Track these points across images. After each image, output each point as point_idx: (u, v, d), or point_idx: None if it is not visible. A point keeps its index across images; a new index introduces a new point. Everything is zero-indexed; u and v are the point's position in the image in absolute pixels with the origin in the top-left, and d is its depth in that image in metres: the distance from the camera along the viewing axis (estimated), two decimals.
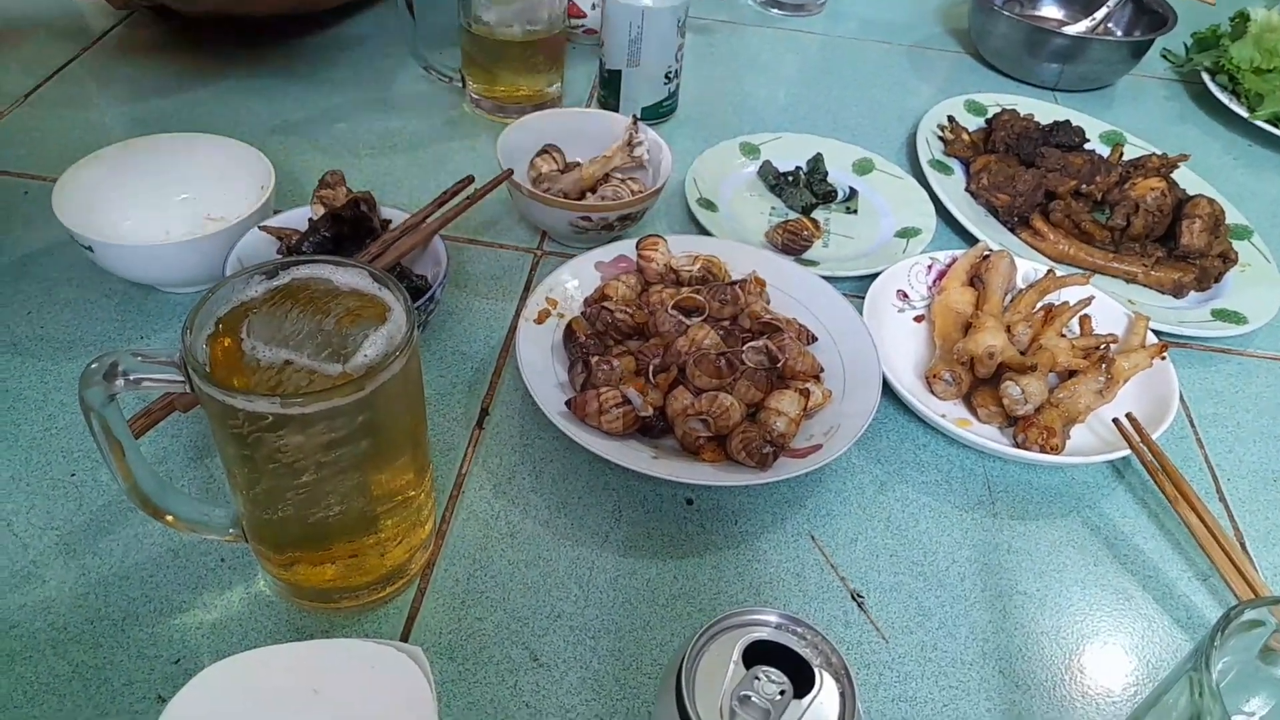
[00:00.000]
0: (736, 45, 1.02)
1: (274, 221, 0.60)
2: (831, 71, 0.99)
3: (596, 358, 0.56)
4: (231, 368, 0.40)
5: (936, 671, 0.46)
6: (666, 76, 0.83)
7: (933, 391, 0.60)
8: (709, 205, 0.75)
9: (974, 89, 0.94)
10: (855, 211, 0.78)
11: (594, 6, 0.92)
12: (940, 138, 0.84)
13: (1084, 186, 0.74)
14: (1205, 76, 0.98)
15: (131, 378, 0.39)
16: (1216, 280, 0.71)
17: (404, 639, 0.45)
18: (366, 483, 0.43)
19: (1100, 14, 1.01)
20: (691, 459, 0.53)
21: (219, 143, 0.66)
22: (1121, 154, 0.80)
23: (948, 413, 0.59)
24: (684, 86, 0.87)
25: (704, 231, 0.73)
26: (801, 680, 0.32)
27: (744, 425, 0.53)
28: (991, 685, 0.46)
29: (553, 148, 0.74)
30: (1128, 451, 0.56)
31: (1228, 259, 0.72)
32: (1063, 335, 0.62)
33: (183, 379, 0.39)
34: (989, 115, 0.86)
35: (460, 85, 0.85)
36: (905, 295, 0.67)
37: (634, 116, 0.73)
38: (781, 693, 0.32)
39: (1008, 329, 0.62)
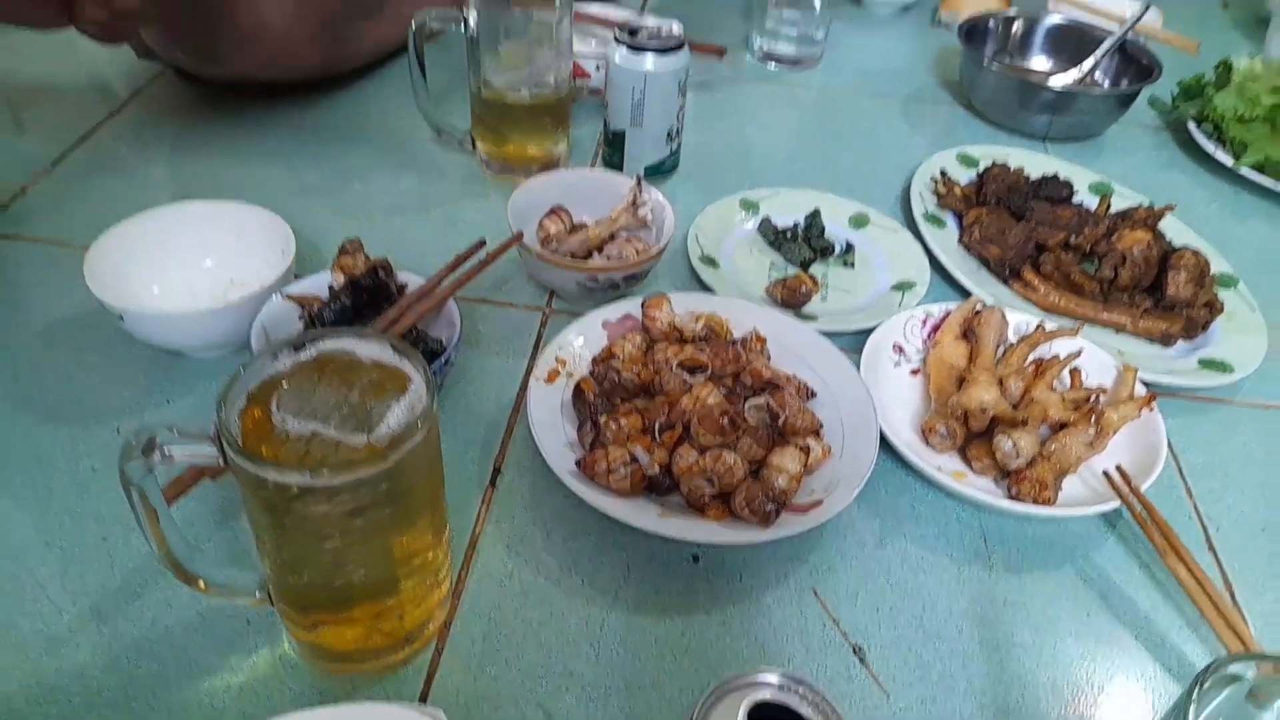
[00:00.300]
0: (736, 100, 1.05)
1: (296, 288, 0.62)
2: (828, 124, 1.02)
3: (605, 416, 0.58)
4: (261, 438, 0.42)
5: None
6: (669, 136, 0.86)
7: (929, 444, 0.62)
8: (711, 262, 0.78)
9: (967, 140, 0.97)
10: (852, 265, 0.80)
11: (598, 67, 0.95)
12: (933, 191, 0.87)
13: (1073, 239, 0.76)
14: (1191, 125, 1.01)
15: (168, 452, 0.41)
16: (1203, 329, 0.73)
17: (423, 699, 0.47)
18: (388, 546, 0.45)
19: (1087, 64, 1.05)
20: (697, 516, 0.55)
21: (242, 209, 0.69)
22: (1109, 205, 0.83)
23: (944, 465, 0.61)
24: (685, 142, 0.90)
25: (706, 288, 0.75)
26: None
27: (747, 483, 0.55)
28: None
29: (560, 209, 0.77)
30: (1119, 502, 0.57)
31: (1213, 308, 0.74)
32: (1053, 388, 0.64)
33: (217, 452, 0.41)
34: (981, 168, 0.89)
35: (470, 148, 0.88)
36: (901, 349, 0.70)
37: (638, 178, 0.76)
38: None
39: (1000, 382, 0.64)
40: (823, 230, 0.82)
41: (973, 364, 0.65)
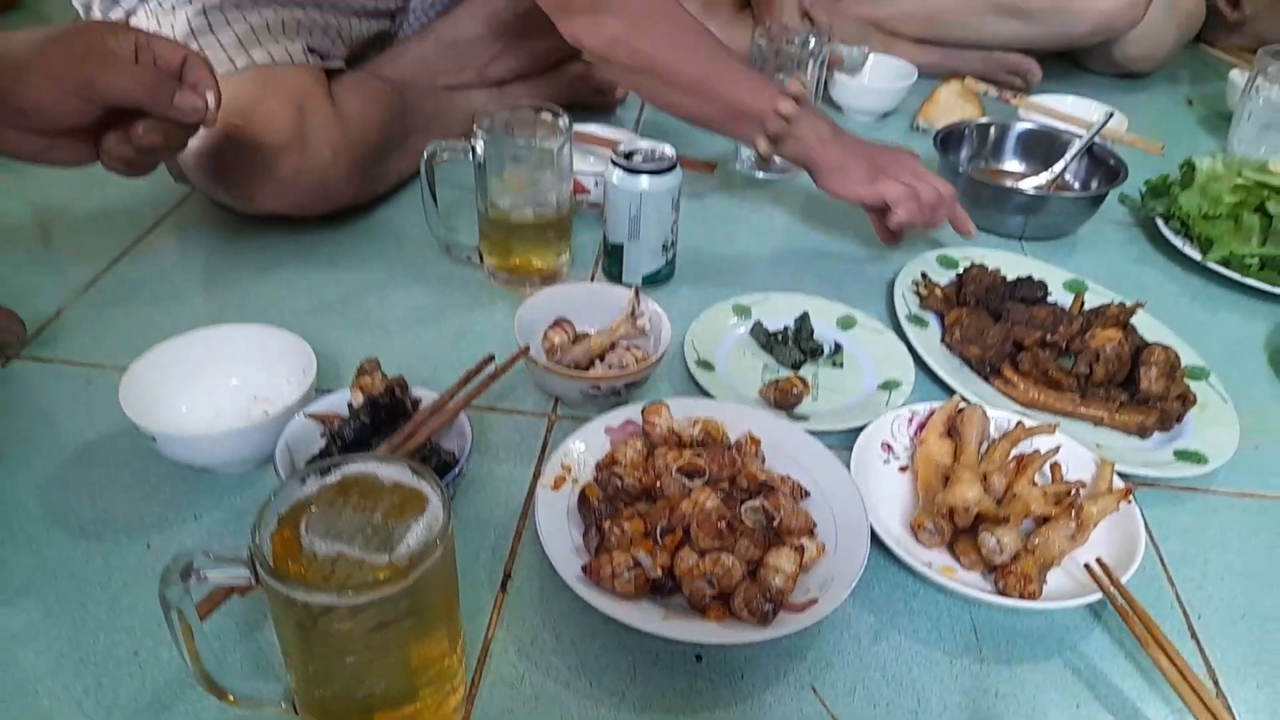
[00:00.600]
0: (728, 208, 1.11)
1: (318, 406, 0.67)
2: (815, 229, 1.08)
3: (609, 522, 0.62)
4: (290, 558, 0.46)
5: None
6: (664, 247, 0.92)
7: (918, 540, 0.65)
8: (707, 366, 0.82)
9: (947, 241, 1.02)
10: (841, 365, 0.85)
11: (596, 183, 1.02)
12: (916, 293, 0.92)
13: (1048, 337, 0.81)
14: (1159, 222, 1.06)
15: (205, 575, 0.45)
16: (1178, 421, 0.77)
17: None
18: (407, 656, 0.48)
19: (1058, 168, 1.11)
20: (699, 616, 0.58)
21: (266, 331, 0.74)
22: (1083, 303, 0.88)
23: (933, 561, 0.64)
24: (681, 251, 0.96)
25: (704, 391, 0.79)
26: None
27: (745, 584, 0.58)
28: None
29: (564, 320, 0.82)
30: (1102, 594, 0.60)
31: (1186, 401, 0.78)
32: (1035, 483, 0.68)
33: (250, 574, 0.45)
34: (960, 270, 0.94)
35: (478, 262, 0.94)
36: (890, 447, 0.73)
37: (636, 290, 0.81)
38: None
39: (984, 478, 0.67)
40: (812, 333, 0.87)
41: (957, 461, 0.69)
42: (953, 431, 0.73)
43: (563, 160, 0.87)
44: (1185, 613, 0.63)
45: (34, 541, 0.63)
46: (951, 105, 1.30)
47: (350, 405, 0.66)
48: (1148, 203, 1.10)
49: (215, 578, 0.45)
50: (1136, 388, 0.78)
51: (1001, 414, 0.74)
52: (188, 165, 0.89)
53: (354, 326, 0.86)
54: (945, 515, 0.65)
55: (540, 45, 1.17)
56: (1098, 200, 1.05)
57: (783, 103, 0.88)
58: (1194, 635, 0.62)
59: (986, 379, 0.82)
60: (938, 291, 0.90)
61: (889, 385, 0.81)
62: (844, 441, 0.73)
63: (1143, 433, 0.76)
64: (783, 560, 0.59)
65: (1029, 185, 1.10)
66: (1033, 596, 0.60)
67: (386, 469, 0.49)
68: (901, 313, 0.88)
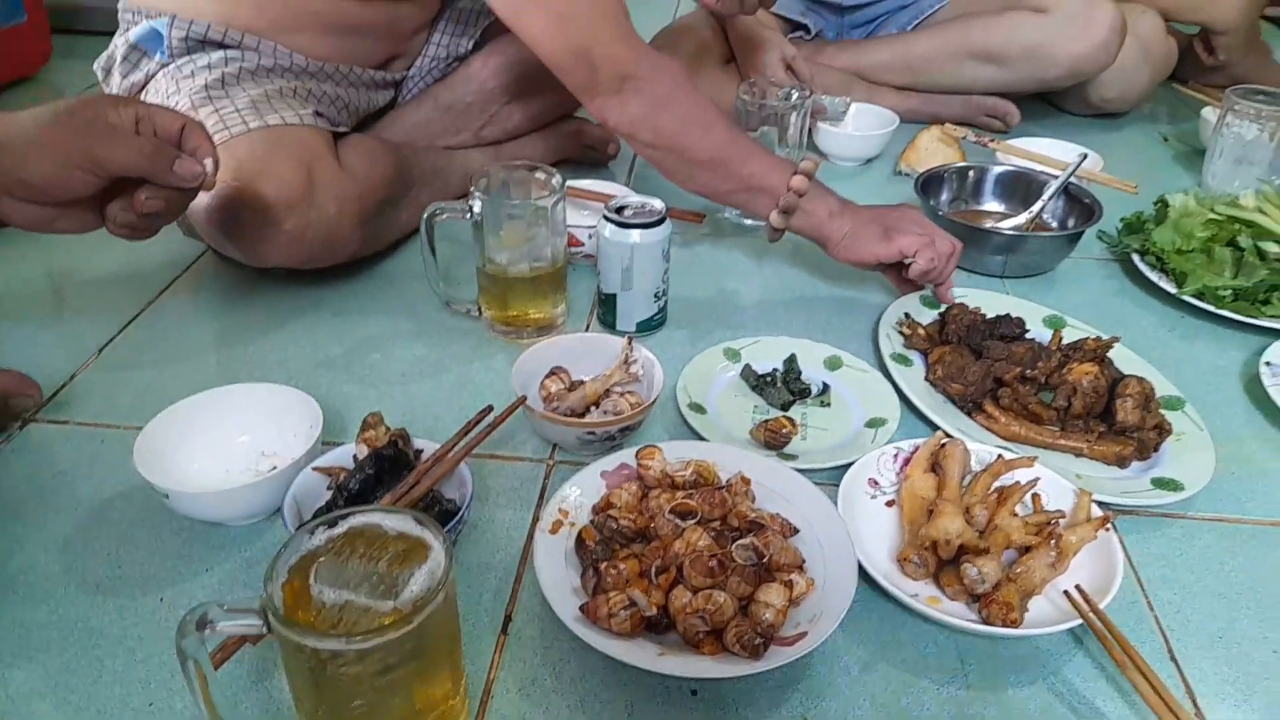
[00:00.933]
0: (717, 255, 1.15)
1: (324, 460, 0.70)
2: (802, 274, 1.11)
3: (605, 563, 0.64)
4: (299, 607, 0.48)
5: None
6: (656, 295, 0.95)
7: (904, 573, 0.68)
8: (699, 409, 0.85)
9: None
10: (829, 405, 0.88)
11: (590, 236, 1.06)
12: (900, 332, 0.95)
13: (1028, 372, 0.84)
14: (1135, 257, 1.10)
15: (219, 626, 0.47)
16: (1155, 450, 0.80)
17: None
18: (412, 698, 0.51)
19: (1036, 208, 1.15)
20: (694, 652, 0.60)
21: (275, 389, 0.77)
22: (1061, 338, 0.91)
23: (919, 592, 0.66)
24: (672, 298, 0.99)
25: (696, 434, 0.82)
26: None
27: (737, 619, 0.60)
28: None
29: (560, 369, 0.85)
30: (1082, 620, 0.62)
31: (1163, 430, 0.80)
32: (1016, 514, 0.70)
33: (262, 623, 0.47)
34: (942, 309, 0.97)
35: (477, 314, 0.97)
36: (876, 483, 0.76)
37: (629, 338, 0.85)
38: None
39: (967, 511, 0.70)
40: (800, 374, 0.90)
41: (940, 495, 0.71)
42: (936, 466, 0.75)
43: (556, 217, 0.90)
44: (1164, 635, 0.65)
45: (51, 598, 0.66)
46: (932, 150, 1.34)
47: (355, 458, 0.69)
48: (1124, 239, 1.14)
49: (228, 628, 0.48)
50: (1114, 419, 0.81)
51: (983, 448, 0.77)
52: (199, 222, 0.93)
53: (358, 381, 0.90)
54: (929, 548, 0.67)
55: (534, 107, 1.22)
56: (1074, 238, 1.09)
57: (796, 180, 0.93)
58: (1173, 657, 0.64)
59: (969, 414, 0.85)
60: (921, 331, 0.94)
61: (875, 423, 0.84)
62: (832, 478, 0.75)
63: (1121, 462, 0.79)
64: (773, 595, 0.61)
65: (1008, 225, 1.14)
66: (1015, 624, 0.62)
67: (391, 520, 0.52)
68: (886, 352, 0.92)
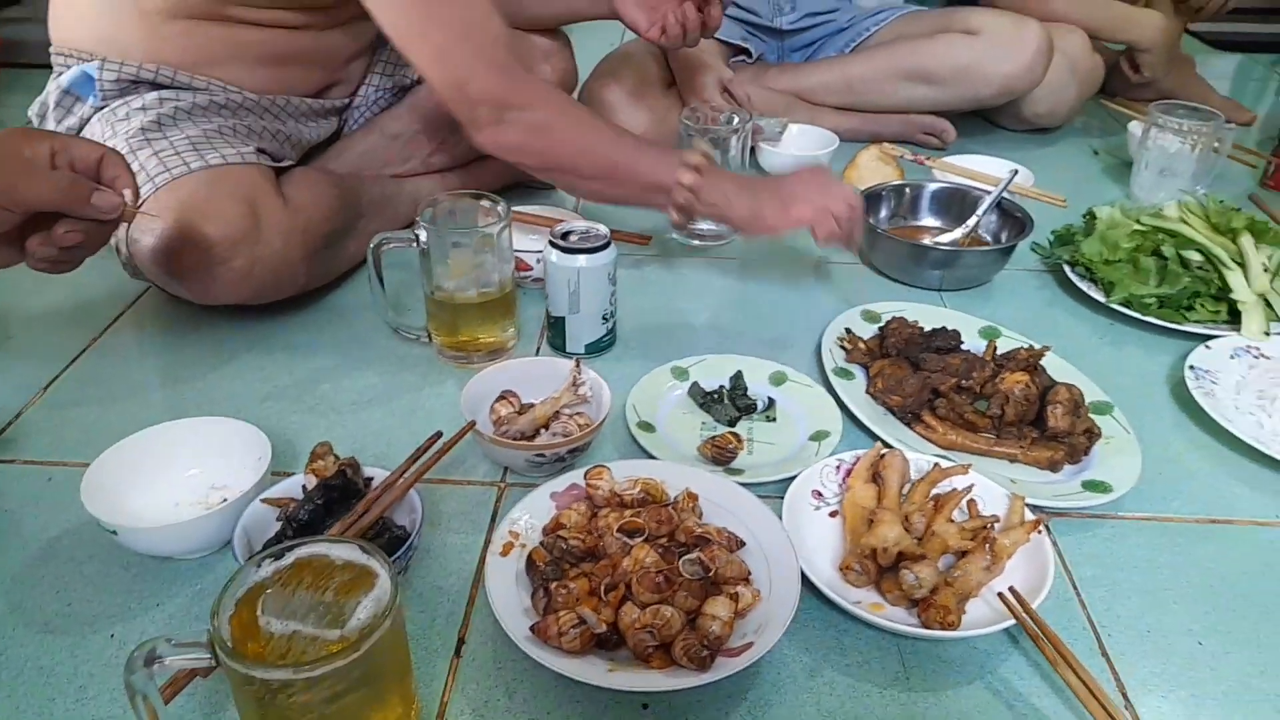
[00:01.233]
0: (665, 276, 1.17)
1: (273, 492, 0.70)
2: (747, 291, 1.14)
3: (555, 583, 0.65)
4: (248, 638, 0.49)
5: None
6: (604, 318, 0.97)
7: (847, 581, 0.70)
8: (648, 427, 0.87)
9: (871, 297, 1.09)
10: (774, 420, 0.90)
11: (538, 260, 1.07)
12: (841, 347, 0.98)
13: (963, 382, 0.87)
14: (1067, 268, 1.14)
15: (168, 661, 0.48)
16: (1085, 454, 0.83)
17: None
18: None
19: (971, 223, 1.19)
20: (644, 667, 0.62)
21: (222, 423, 0.77)
22: (995, 349, 0.94)
23: (862, 599, 0.69)
24: (622, 318, 1.01)
25: (645, 452, 0.84)
26: None
27: (684, 632, 0.62)
28: None
29: (509, 393, 0.86)
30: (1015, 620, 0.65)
31: (1092, 435, 0.84)
32: (952, 520, 0.73)
33: (210, 656, 0.48)
34: (883, 323, 1.00)
35: (427, 341, 0.98)
36: (820, 494, 0.78)
37: (577, 361, 0.86)
38: None
39: (906, 519, 0.72)
40: (746, 390, 0.92)
41: (880, 504, 0.74)
42: (877, 477, 0.78)
43: (503, 243, 0.92)
44: (1096, 631, 0.68)
45: (0, 638, 0.65)
46: (872, 168, 1.38)
47: (304, 488, 0.70)
48: (1055, 251, 1.18)
49: (177, 662, 0.48)
50: (1045, 425, 0.84)
51: (922, 457, 0.80)
52: (144, 263, 0.93)
53: (308, 411, 0.90)
54: (869, 556, 0.69)
55: None
56: (1007, 252, 1.13)
57: (684, 174, 0.95)
58: (1104, 652, 0.66)
59: (909, 425, 0.87)
60: (861, 345, 0.96)
61: (819, 436, 0.86)
62: (779, 491, 0.77)
63: (1053, 467, 0.82)
64: (719, 608, 0.63)
65: (945, 240, 1.18)
66: (952, 626, 0.64)
67: (337, 549, 0.53)
68: (829, 366, 0.94)
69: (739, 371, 0.94)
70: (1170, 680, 0.65)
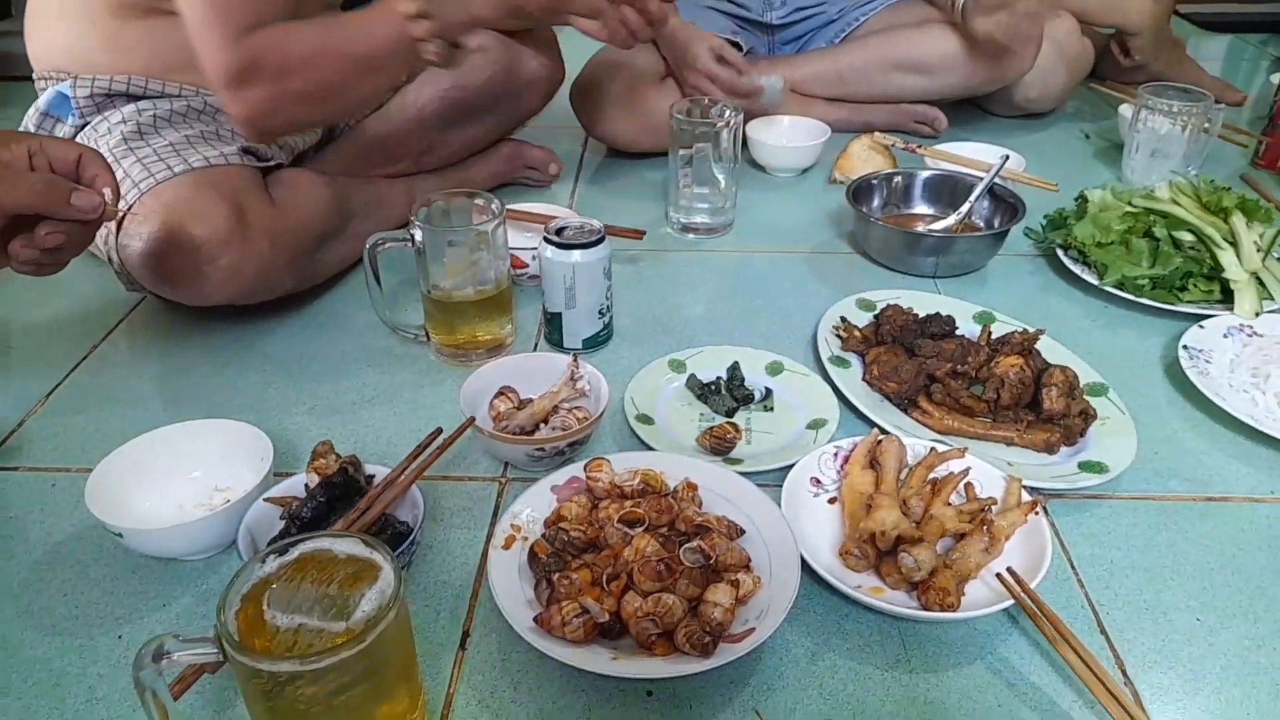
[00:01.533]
0: (660, 269, 1.18)
1: (276, 491, 0.71)
2: (743, 283, 1.14)
3: (557, 574, 0.66)
4: (254, 633, 0.50)
5: None
6: (600, 312, 0.98)
7: (846, 566, 0.71)
8: (646, 420, 0.87)
9: (865, 285, 1.09)
10: (772, 409, 0.90)
11: (534, 257, 1.07)
12: (837, 335, 0.98)
13: (958, 368, 0.87)
14: (1060, 252, 1.15)
15: (175, 657, 0.48)
16: (1081, 435, 0.84)
17: None
18: (370, 715, 0.52)
19: (964, 209, 1.19)
20: (646, 654, 0.62)
21: (225, 425, 0.78)
22: (990, 333, 0.95)
23: (862, 583, 0.69)
24: (618, 312, 1.02)
25: (644, 444, 0.84)
26: None
27: (686, 619, 0.63)
28: None
29: (508, 389, 0.87)
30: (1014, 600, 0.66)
31: (1088, 416, 0.84)
32: (950, 503, 0.73)
33: (217, 652, 0.48)
34: (877, 310, 1.01)
35: (424, 340, 0.99)
36: (818, 481, 0.79)
37: (574, 355, 0.87)
38: None
39: (903, 503, 0.73)
40: (743, 380, 0.93)
41: (878, 489, 0.74)
42: (874, 462, 0.78)
43: (498, 241, 0.92)
44: (1094, 610, 0.69)
45: (9, 642, 0.66)
46: (863, 158, 1.39)
47: (306, 487, 0.70)
48: (1048, 235, 1.19)
49: (185, 658, 0.49)
50: (1041, 408, 0.85)
51: (918, 442, 0.80)
52: (134, 268, 0.93)
53: (309, 411, 0.90)
54: (868, 540, 0.70)
55: (470, 132, 1.25)
56: (1000, 237, 1.14)
57: (402, 4, 0.91)
58: (1102, 629, 0.67)
59: (905, 411, 0.88)
60: (856, 333, 0.97)
61: (816, 424, 0.87)
62: (777, 479, 0.78)
63: (1049, 449, 0.83)
64: (720, 595, 0.64)
65: (938, 228, 1.19)
66: (952, 608, 0.65)
67: (340, 544, 0.53)
68: (825, 355, 0.95)
69: (736, 362, 0.95)
70: (1169, 656, 0.65)
